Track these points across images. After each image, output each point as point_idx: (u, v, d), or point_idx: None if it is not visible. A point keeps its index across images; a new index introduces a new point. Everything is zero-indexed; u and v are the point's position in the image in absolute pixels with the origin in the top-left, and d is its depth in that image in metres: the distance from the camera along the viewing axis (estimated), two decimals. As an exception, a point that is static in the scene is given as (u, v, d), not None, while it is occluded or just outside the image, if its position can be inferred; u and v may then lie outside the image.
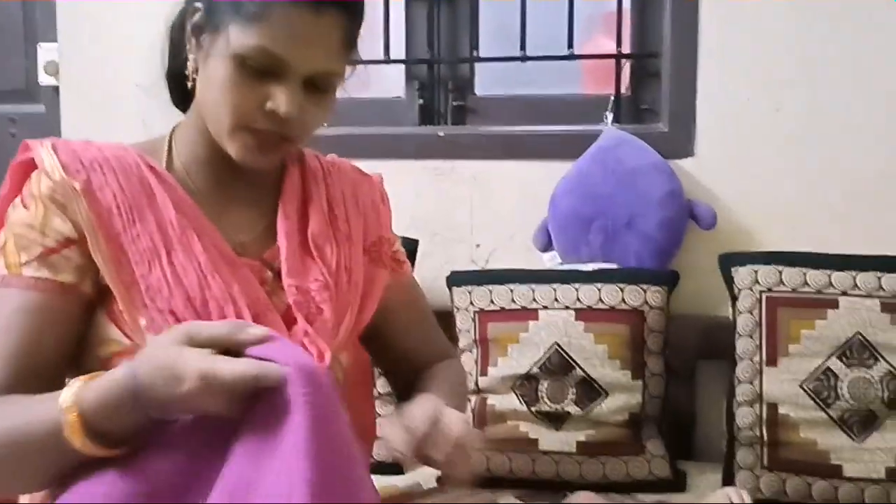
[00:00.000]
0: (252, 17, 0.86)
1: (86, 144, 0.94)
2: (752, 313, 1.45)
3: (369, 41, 1.67)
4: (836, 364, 1.38)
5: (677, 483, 1.45)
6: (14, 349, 0.87)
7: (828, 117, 1.60)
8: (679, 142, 1.65)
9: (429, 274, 1.53)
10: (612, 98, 1.82)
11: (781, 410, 1.39)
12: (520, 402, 1.47)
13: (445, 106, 1.97)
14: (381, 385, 1.49)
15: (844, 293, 1.41)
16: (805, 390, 1.38)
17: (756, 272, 1.46)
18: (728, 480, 1.40)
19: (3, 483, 0.85)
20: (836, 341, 1.38)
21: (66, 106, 1.93)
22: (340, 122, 1.40)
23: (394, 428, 0.91)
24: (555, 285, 1.52)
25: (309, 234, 0.99)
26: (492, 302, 1.54)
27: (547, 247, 1.69)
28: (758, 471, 1.38)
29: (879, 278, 1.41)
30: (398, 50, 1.91)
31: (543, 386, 1.46)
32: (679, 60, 1.64)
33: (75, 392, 0.78)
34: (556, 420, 1.45)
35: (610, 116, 1.73)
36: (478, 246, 1.66)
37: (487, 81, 1.99)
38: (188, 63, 0.92)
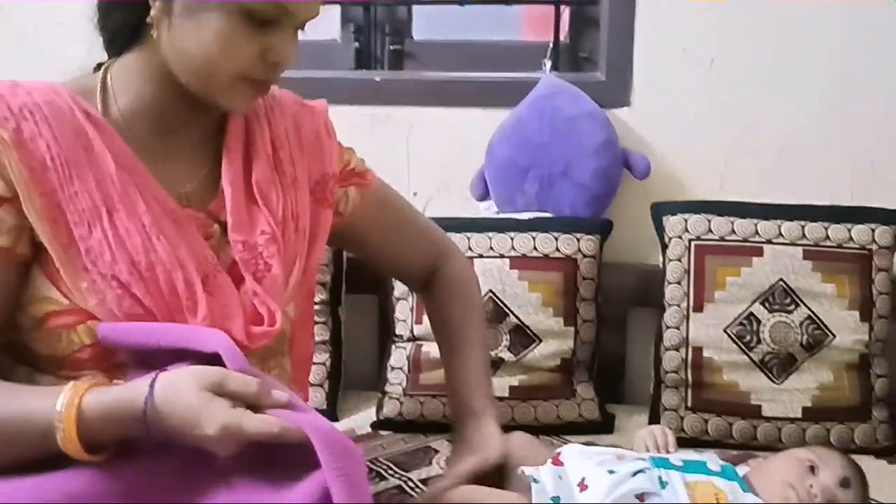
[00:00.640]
0: None
1: (12, 87, 0.87)
2: (680, 261, 1.48)
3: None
4: (758, 309, 1.43)
5: (606, 425, 1.49)
6: None
7: (761, 70, 1.61)
8: (616, 91, 1.66)
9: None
10: (551, 45, 1.81)
11: (706, 354, 1.43)
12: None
13: (382, 50, 1.94)
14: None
15: (769, 241, 1.45)
16: (729, 335, 1.43)
17: (686, 221, 1.49)
18: (654, 422, 1.45)
19: None
20: (759, 288, 1.43)
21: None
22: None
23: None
24: (490, 234, 1.53)
25: (253, 182, 0.95)
26: (428, 250, 1.54)
27: (484, 195, 1.69)
28: (682, 412, 1.43)
29: (803, 227, 1.46)
30: (334, -10, 1.87)
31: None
32: (617, 9, 1.64)
33: (74, 399, 0.77)
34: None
35: (548, 64, 1.72)
36: (415, 194, 1.65)
37: (425, 26, 1.97)
38: (151, 10, 0.86)
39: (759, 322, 1.42)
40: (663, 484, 0.95)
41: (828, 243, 1.44)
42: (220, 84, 0.87)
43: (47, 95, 0.88)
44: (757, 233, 1.46)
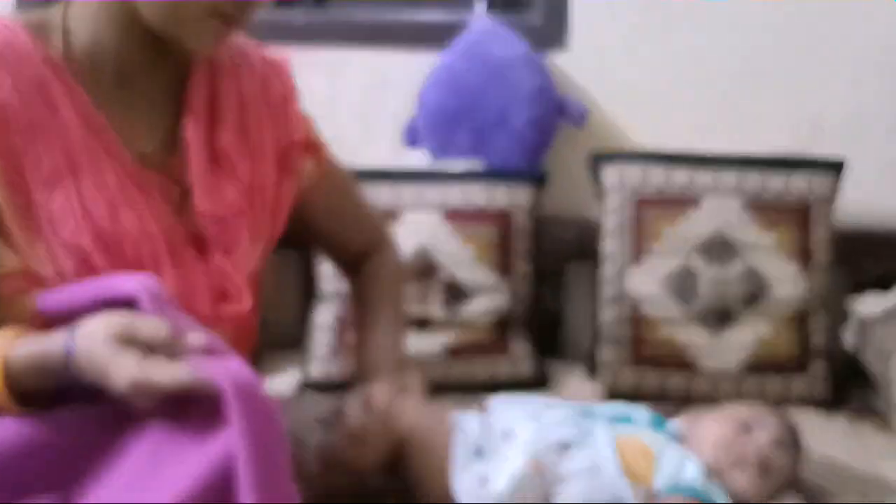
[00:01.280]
0: None
1: None
2: (618, 213, 1.44)
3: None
4: (696, 262, 1.40)
5: (542, 381, 1.46)
6: None
7: (700, 15, 1.57)
8: (552, 34, 1.60)
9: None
10: (485, -16, 1.73)
11: (643, 308, 1.40)
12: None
13: (303, -13, 1.83)
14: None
15: (707, 192, 1.42)
16: (666, 288, 1.40)
17: (623, 171, 1.45)
18: (591, 377, 1.42)
19: None
20: (697, 239, 1.40)
21: None
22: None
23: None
24: (421, 185, 1.47)
25: (220, 147, 0.88)
26: (355, 202, 1.47)
27: (416, 144, 1.62)
28: (619, 366, 1.40)
29: (741, 177, 1.43)
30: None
31: (409, 289, 1.43)
32: (554, -53, 1.57)
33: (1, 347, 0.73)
34: (421, 323, 1.42)
35: (482, 4, 1.65)
36: (339, 143, 1.57)
37: (351, -37, 1.86)
38: None
39: (696, 275, 1.40)
40: (590, 435, 0.92)
41: (767, 194, 1.42)
42: (187, 19, 0.79)
43: (4, 34, 0.79)
44: (695, 183, 1.43)
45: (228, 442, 0.66)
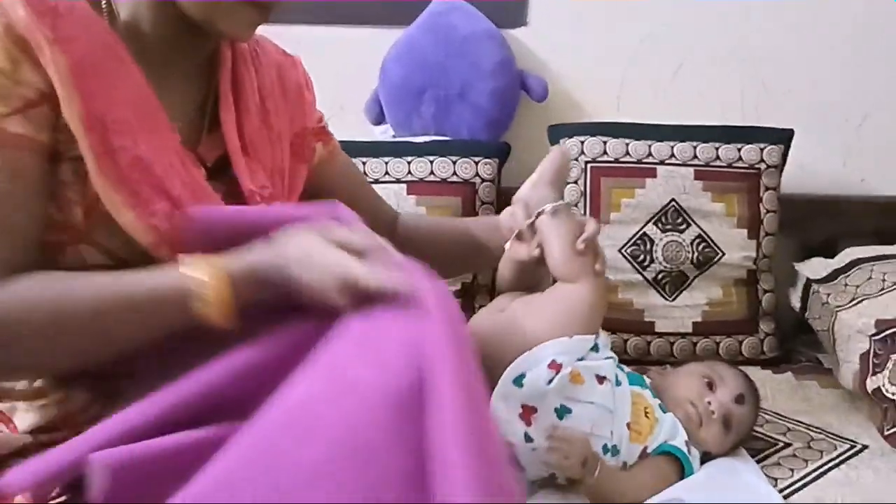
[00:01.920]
0: None
1: None
2: (577, 183, 1.48)
3: None
4: (651, 229, 1.45)
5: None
6: (18, 222, 0.76)
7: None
8: (512, 10, 1.62)
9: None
10: (445, -39, 1.74)
11: (602, 275, 1.45)
12: (352, 276, 1.45)
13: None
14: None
15: (662, 162, 1.47)
16: (624, 255, 1.45)
17: (582, 143, 1.49)
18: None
19: (61, 353, 0.76)
20: (652, 208, 1.45)
21: None
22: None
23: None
24: (386, 158, 1.49)
25: (246, 134, 0.90)
26: (322, 176, 1.49)
27: (379, 118, 1.64)
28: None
29: (695, 147, 1.48)
30: None
31: (375, 260, 1.45)
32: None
33: (215, 264, 0.75)
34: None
35: (443, -19, 1.66)
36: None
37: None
38: None
39: (652, 242, 1.44)
40: (618, 381, 0.96)
41: (718, 163, 1.47)
42: (222, 5, 0.80)
43: (67, 2, 0.79)
44: (651, 154, 1.48)
45: (430, 337, 0.67)
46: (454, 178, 1.49)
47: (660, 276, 1.44)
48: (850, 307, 1.28)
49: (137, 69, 0.81)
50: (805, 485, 1.01)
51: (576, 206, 1.48)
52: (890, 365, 1.13)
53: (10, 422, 0.80)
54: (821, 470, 1.05)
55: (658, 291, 1.45)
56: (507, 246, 1.03)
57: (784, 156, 1.49)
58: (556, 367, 0.89)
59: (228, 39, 0.89)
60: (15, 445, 0.81)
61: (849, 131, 1.65)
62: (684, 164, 1.46)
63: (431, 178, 1.48)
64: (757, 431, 1.10)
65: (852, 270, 1.37)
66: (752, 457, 1.05)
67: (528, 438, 0.89)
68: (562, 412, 0.90)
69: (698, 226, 1.45)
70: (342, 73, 1.62)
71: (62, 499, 0.74)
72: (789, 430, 1.16)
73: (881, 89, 1.64)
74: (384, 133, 1.63)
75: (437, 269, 1.18)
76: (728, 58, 1.64)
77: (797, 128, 1.51)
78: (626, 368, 1.02)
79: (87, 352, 0.77)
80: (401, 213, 1.19)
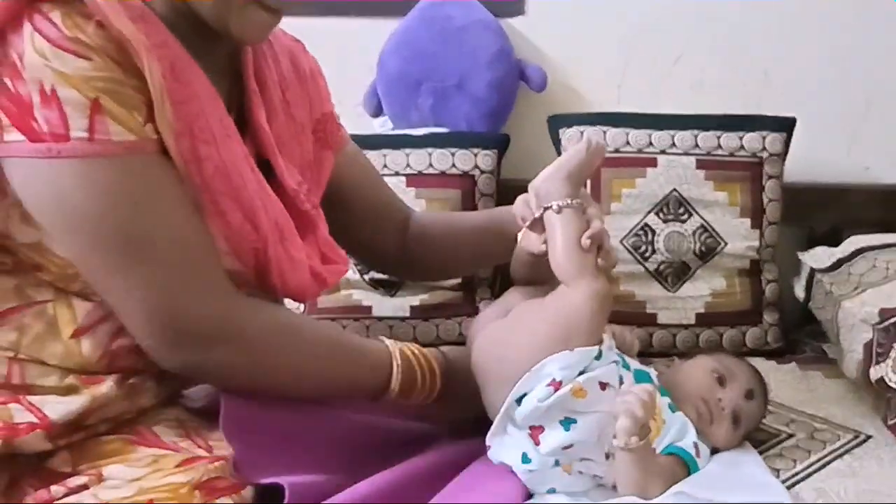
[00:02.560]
0: None
1: None
2: (577, 173, 1.47)
3: None
4: (653, 220, 1.43)
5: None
6: (204, 232, 0.80)
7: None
8: (510, -1, 1.61)
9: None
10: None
11: (603, 266, 1.44)
12: (352, 270, 1.44)
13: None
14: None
15: (663, 152, 1.46)
16: (625, 246, 1.43)
17: (582, 133, 1.48)
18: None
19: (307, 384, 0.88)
20: (654, 198, 1.44)
21: None
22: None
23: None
24: (384, 151, 1.48)
25: (275, 130, 0.90)
26: (320, 169, 1.48)
27: (377, 111, 1.63)
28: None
29: (696, 136, 1.46)
30: None
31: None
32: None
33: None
34: (389, 287, 1.44)
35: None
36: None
37: (309, -69, 1.85)
38: None
39: (654, 232, 1.43)
40: (620, 381, 0.94)
41: (720, 152, 1.46)
42: (232, 9, 0.80)
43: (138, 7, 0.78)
44: (651, 143, 1.46)
45: None
46: (453, 171, 1.48)
47: (662, 268, 1.43)
48: (853, 296, 1.27)
49: (205, 75, 0.81)
50: (808, 475, 1.00)
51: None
52: (893, 354, 1.11)
53: (39, 411, 0.80)
54: (824, 461, 1.03)
55: (660, 283, 1.43)
56: (519, 236, 1.02)
57: (787, 144, 1.48)
58: (556, 384, 0.88)
59: (242, 44, 0.88)
60: (42, 448, 0.81)
61: (853, 119, 1.64)
62: (685, 154, 1.45)
63: (430, 170, 1.47)
64: (760, 423, 1.09)
65: (856, 259, 1.36)
66: (755, 448, 1.04)
67: (525, 460, 0.90)
68: (567, 424, 0.89)
69: (700, 216, 1.43)
70: (339, 66, 1.58)
71: None
72: (792, 420, 1.15)
73: (886, 77, 1.62)
74: (382, 126, 1.62)
75: (454, 266, 1.21)
76: (729, 46, 1.62)
77: (800, 116, 1.49)
78: (634, 365, 1.00)
79: (301, 384, 0.88)
80: (415, 211, 1.19)
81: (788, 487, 0.96)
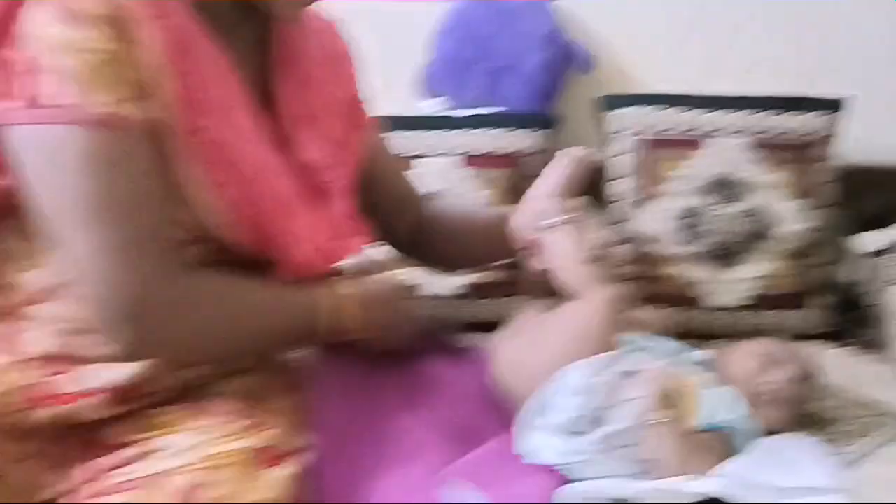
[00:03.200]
0: None
1: None
2: (625, 155, 1.47)
3: None
4: (702, 201, 1.42)
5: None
6: (163, 208, 0.79)
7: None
8: (560, -21, 1.60)
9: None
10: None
11: (650, 248, 1.43)
12: (403, 249, 1.47)
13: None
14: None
15: (714, 133, 1.44)
16: (673, 228, 1.43)
17: (630, 114, 1.47)
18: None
19: (231, 346, 0.88)
20: (703, 180, 1.42)
21: None
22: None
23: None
24: (436, 132, 1.49)
25: (303, 104, 0.90)
26: (372, 150, 1.50)
27: (429, 92, 1.64)
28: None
29: (747, 117, 1.44)
30: None
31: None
32: None
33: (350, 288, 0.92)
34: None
35: (491, -49, 1.65)
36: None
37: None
38: None
39: (702, 214, 1.42)
40: (647, 365, 0.95)
41: (771, 133, 1.44)
42: None
43: None
44: (702, 124, 1.45)
45: None
46: (504, 151, 1.48)
47: (710, 250, 1.42)
48: (904, 280, 1.26)
49: (219, 49, 0.81)
50: (855, 461, 1.00)
51: (623, 178, 1.47)
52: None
53: (87, 382, 0.82)
54: (872, 447, 1.03)
55: (708, 266, 1.43)
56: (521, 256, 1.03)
57: (837, 125, 1.46)
58: (577, 394, 0.90)
59: (276, 20, 0.88)
60: (92, 417, 0.83)
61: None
62: (736, 135, 1.44)
63: (481, 150, 1.48)
64: (808, 407, 1.09)
65: (907, 243, 1.34)
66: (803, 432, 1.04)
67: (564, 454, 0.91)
68: (597, 422, 0.90)
69: (750, 198, 1.42)
70: (391, 47, 1.61)
71: None
72: (841, 406, 1.14)
73: (946, 54, 1.58)
74: (434, 107, 1.63)
75: (463, 261, 1.20)
76: (784, 24, 1.59)
77: (855, 95, 1.46)
78: (665, 346, 1.01)
79: (238, 344, 0.88)
80: (430, 201, 1.18)
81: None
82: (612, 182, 1.48)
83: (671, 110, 1.46)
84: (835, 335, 1.42)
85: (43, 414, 0.82)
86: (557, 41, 1.57)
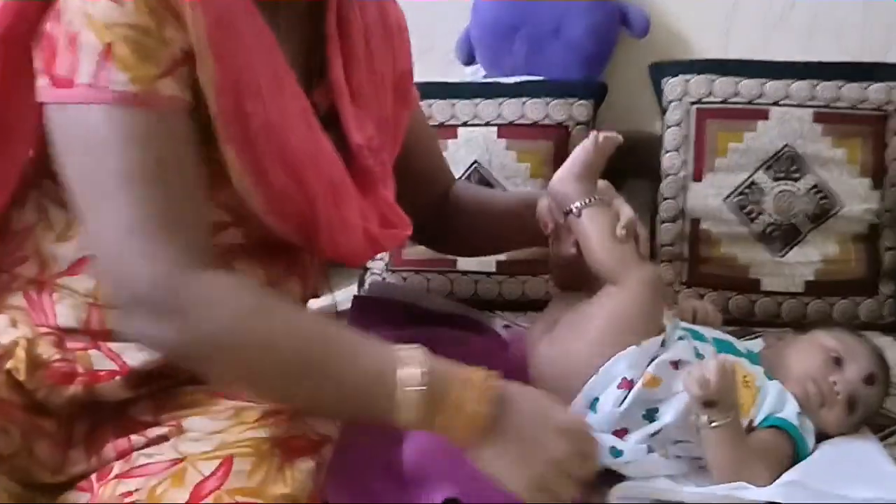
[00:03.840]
0: None
1: None
2: (680, 126, 1.39)
3: None
4: (762, 177, 1.35)
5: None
6: (193, 193, 0.75)
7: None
8: (612, -63, 1.52)
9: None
10: None
11: (704, 226, 1.36)
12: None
13: None
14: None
15: (776, 103, 1.37)
16: (729, 205, 1.36)
17: (687, 82, 1.40)
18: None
19: (275, 387, 0.76)
20: (764, 154, 1.35)
21: None
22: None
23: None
24: (475, 100, 1.44)
25: (354, 82, 0.87)
26: (409, 117, 1.45)
27: (469, 58, 1.59)
28: (677, 287, 1.37)
29: (814, 86, 1.37)
30: None
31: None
32: None
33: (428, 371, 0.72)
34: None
35: None
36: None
37: None
38: None
39: (762, 191, 1.35)
40: (699, 355, 0.90)
41: (840, 104, 1.36)
42: None
43: None
44: (763, 94, 1.38)
45: None
46: (546, 121, 1.43)
47: (769, 230, 1.34)
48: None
49: (267, 27, 0.78)
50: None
51: (677, 150, 1.39)
52: None
53: (118, 358, 0.81)
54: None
55: (766, 246, 1.35)
56: (550, 243, 1.01)
57: (916, 96, 1.36)
58: (627, 384, 0.86)
59: None
60: (121, 395, 0.82)
61: None
62: (801, 105, 1.36)
63: (523, 120, 1.43)
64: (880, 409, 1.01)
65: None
66: (873, 433, 0.96)
67: (615, 453, 0.86)
68: (650, 415, 0.86)
69: (815, 174, 1.34)
70: (431, 12, 1.55)
71: None
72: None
73: None
74: (474, 73, 1.58)
75: (484, 245, 1.16)
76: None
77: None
78: (711, 334, 0.95)
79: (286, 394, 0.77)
80: (458, 181, 1.16)
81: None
82: (665, 155, 1.40)
83: (729, 79, 1.39)
84: (905, 326, 1.34)
85: (73, 390, 0.80)
86: (606, 4, 1.49)
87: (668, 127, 1.40)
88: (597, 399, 0.88)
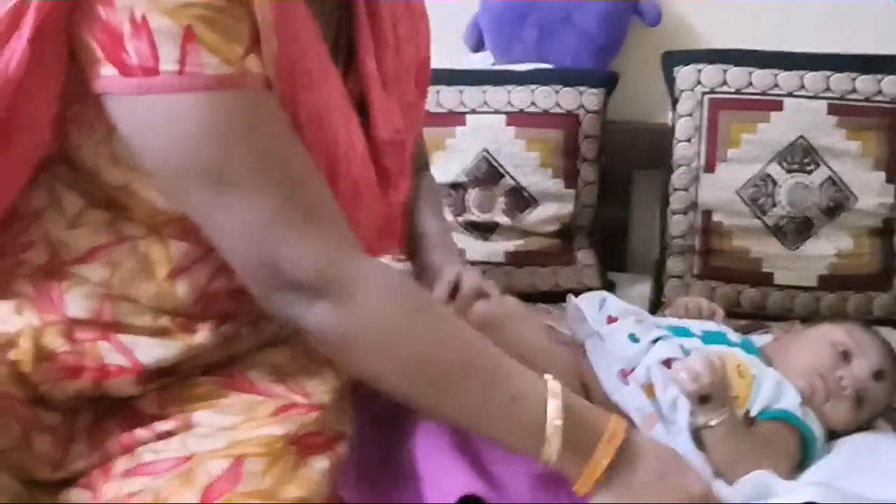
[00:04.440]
0: None
1: None
2: (692, 116, 1.38)
3: None
4: (775, 169, 1.33)
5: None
6: (316, 172, 0.72)
7: None
8: (625, -76, 1.49)
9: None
10: None
11: (715, 218, 1.35)
12: (447, 211, 1.40)
13: None
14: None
15: (790, 94, 1.35)
16: (741, 197, 1.34)
17: (699, 72, 1.38)
18: (658, 290, 1.38)
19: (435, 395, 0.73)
20: (777, 146, 1.33)
21: None
22: None
23: None
24: (484, 87, 1.42)
25: (383, 70, 0.84)
26: (416, 104, 1.43)
27: (478, 45, 1.57)
28: (688, 279, 1.36)
29: (828, 78, 1.35)
30: None
31: (471, 195, 1.40)
32: None
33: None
34: (484, 230, 1.41)
35: None
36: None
37: None
38: None
39: (775, 183, 1.33)
40: (686, 352, 0.87)
41: (854, 96, 1.34)
42: None
43: None
44: (777, 85, 1.36)
45: None
46: (556, 109, 1.41)
47: (782, 223, 1.33)
48: None
49: (309, 12, 0.74)
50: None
51: (689, 141, 1.37)
52: None
53: (130, 354, 0.77)
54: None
55: (779, 240, 1.33)
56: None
57: (932, 88, 1.34)
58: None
59: None
60: (130, 392, 0.79)
61: None
62: (815, 97, 1.34)
63: (532, 108, 1.41)
64: (890, 406, 0.99)
65: None
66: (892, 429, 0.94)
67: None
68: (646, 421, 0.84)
69: (829, 166, 1.32)
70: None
71: None
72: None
73: None
74: (483, 60, 1.56)
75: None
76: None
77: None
78: (700, 327, 0.93)
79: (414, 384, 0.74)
80: (425, 171, 1.10)
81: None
82: (677, 146, 1.38)
83: (743, 69, 1.37)
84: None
85: (80, 385, 0.77)
86: (619, -9, 1.47)
87: (680, 117, 1.38)
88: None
